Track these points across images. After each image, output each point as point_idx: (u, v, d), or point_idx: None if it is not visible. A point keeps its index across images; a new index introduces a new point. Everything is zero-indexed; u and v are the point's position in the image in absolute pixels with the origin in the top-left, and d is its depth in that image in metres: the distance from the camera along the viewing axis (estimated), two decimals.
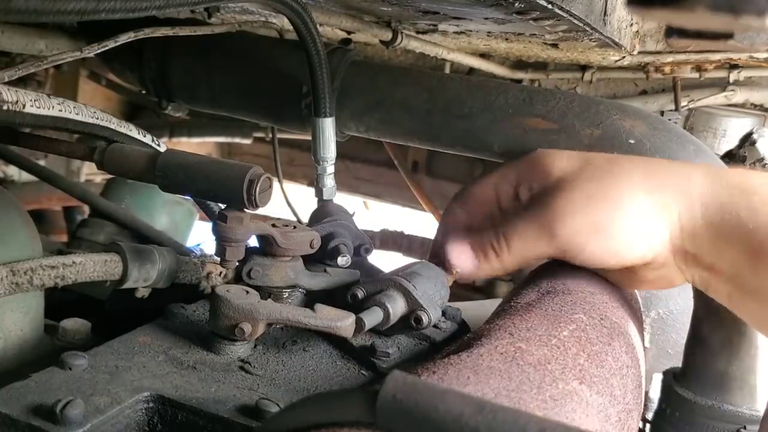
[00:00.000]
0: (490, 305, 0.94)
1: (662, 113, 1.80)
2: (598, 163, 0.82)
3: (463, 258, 0.86)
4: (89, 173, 2.39)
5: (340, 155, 1.18)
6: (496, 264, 0.85)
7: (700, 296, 1.01)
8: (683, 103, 1.79)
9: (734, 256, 0.73)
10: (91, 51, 0.92)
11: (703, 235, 0.75)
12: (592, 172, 0.81)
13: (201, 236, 2.05)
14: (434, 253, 0.91)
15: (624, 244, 0.78)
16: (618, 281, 0.88)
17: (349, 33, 1.37)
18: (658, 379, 1.08)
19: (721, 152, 1.28)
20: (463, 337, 0.75)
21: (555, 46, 1.39)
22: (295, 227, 0.82)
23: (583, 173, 0.81)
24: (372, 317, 0.75)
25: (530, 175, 0.86)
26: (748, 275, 0.73)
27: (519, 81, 1.88)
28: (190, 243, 2.00)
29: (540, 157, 0.87)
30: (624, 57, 1.56)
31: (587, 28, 1.05)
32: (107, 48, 0.94)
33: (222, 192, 0.76)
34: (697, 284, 0.81)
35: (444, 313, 0.86)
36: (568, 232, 0.79)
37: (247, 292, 0.74)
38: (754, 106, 1.83)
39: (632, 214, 0.77)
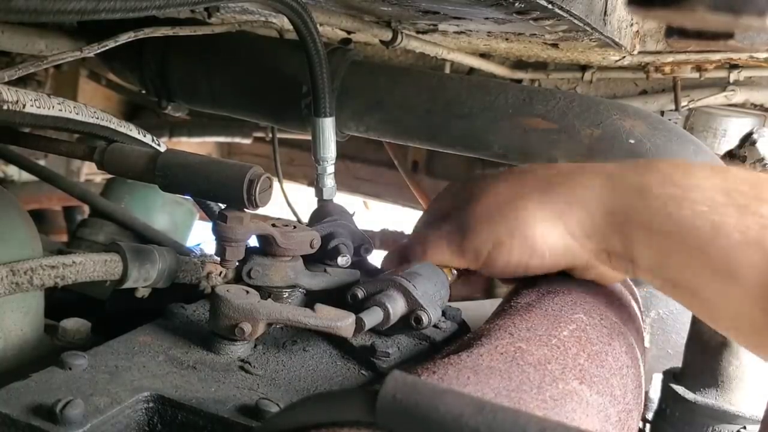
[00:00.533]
0: (490, 305, 0.94)
1: (662, 113, 1.80)
2: (504, 177, 0.86)
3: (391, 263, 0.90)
4: (89, 173, 2.39)
5: (340, 155, 1.18)
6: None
7: None
8: (683, 103, 1.79)
9: (644, 250, 0.74)
10: (91, 51, 0.92)
11: (609, 233, 0.76)
12: (496, 187, 0.84)
13: (201, 236, 2.05)
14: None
15: (525, 254, 0.80)
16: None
17: (349, 33, 1.37)
18: (658, 379, 1.08)
19: (721, 152, 1.28)
20: (463, 337, 0.75)
21: (555, 46, 1.39)
22: (295, 227, 0.82)
23: (491, 189, 0.84)
24: (372, 317, 0.75)
25: (461, 190, 0.90)
26: (663, 268, 0.74)
27: (519, 81, 1.88)
28: (190, 243, 2.00)
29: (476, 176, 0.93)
30: (624, 57, 1.56)
31: (587, 28, 1.05)
32: (107, 48, 0.94)
33: (222, 192, 0.76)
34: (632, 278, 0.84)
35: (444, 313, 0.86)
36: (473, 246, 0.83)
37: (247, 292, 0.74)
38: (754, 106, 1.83)
39: (526, 225, 0.80)
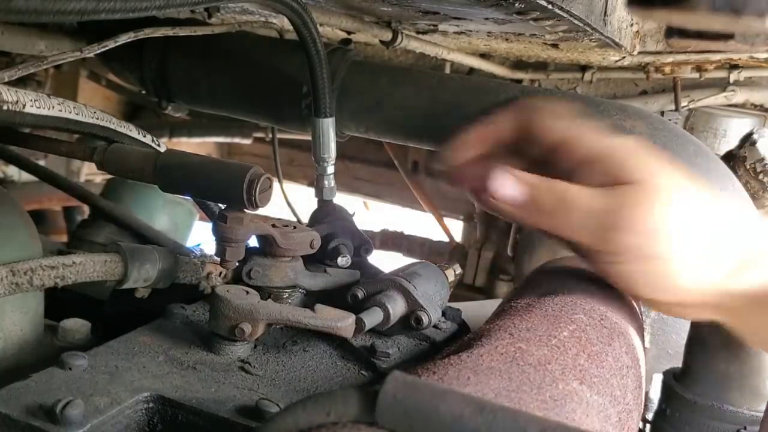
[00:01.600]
0: (490, 305, 0.94)
1: (662, 113, 1.80)
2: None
3: (509, 187, 0.70)
4: (89, 173, 2.39)
5: (340, 155, 1.18)
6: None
7: None
8: (683, 104, 1.79)
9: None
10: (91, 51, 0.92)
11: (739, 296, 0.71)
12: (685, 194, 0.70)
13: (201, 236, 2.05)
14: (456, 178, 0.78)
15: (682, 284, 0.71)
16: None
17: (349, 33, 1.37)
18: (658, 380, 1.08)
19: (722, 152, 1.28)
20: (463, 338, 0.75)
21: (555, 46, 1.39)
22: (295, 227, 0.82)
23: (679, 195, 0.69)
24: (372, 317, 0.75)
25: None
26: None
27: (519, 81, 1.88)
28: (190, 243, 2.00)
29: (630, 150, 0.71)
30: (624, 57, 1.56)
31: (587, 29, 1.05)
32: (107, 48, 0.94)
33: (222, 192, 0.76)
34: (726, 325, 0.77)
35: (444, 314, 0.86)
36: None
37: (247, 292, 0.74)
38: (755, 106, 1.83)
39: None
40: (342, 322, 0.72)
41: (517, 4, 0.90)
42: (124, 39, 0.97)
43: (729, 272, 0.70)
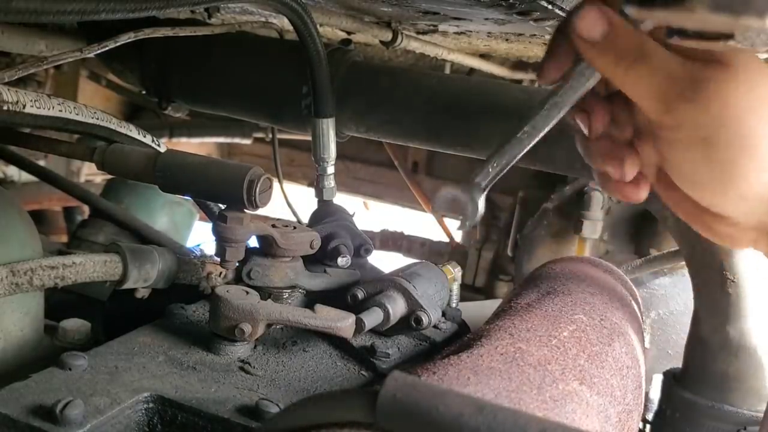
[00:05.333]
0: (490, 306, 0.94)
1: None
2: None
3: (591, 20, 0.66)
4: (89, 173, 2.39)
5: (340, 155, 1.18)
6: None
7: (700, 297, 1.01)
8: None
9: None
10: (91, 51, 0.92)
11: None
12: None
13: (201, 236, 2.05)
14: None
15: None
16: (688, 216, 0.72)
17: (349, 33, 1.37)
18: (658, 380, 1.08)
19: None
20: (463, 338, 0.75)
21: None
22: (295, 228, 0.82)
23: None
24: (372, 318, 0.75)
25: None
26: None
27: (519, 81, 1.88)
28: (190, 243, 2.00)
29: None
30: None
31: None
32: (107, 48, 0.94)
33: (222, 192, 0.76)
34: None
35: (444, 314, 0.86)
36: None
37: (247, 292, 0.74)
38: None
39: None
40: (342, 323, 0.72)
41: (517, 5, 0.90)
42: (124, 39, 0.97)
43: None
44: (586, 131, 0.73)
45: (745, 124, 0.62)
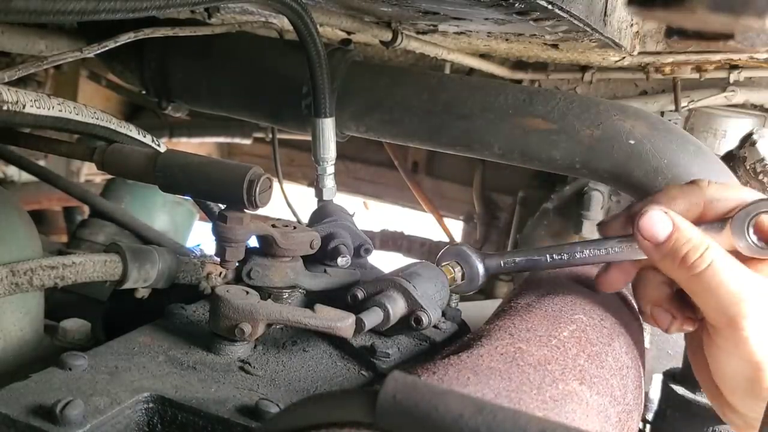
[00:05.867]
0: (490, 305, 0.94)
1: (662, 114, 1.80)
2: None
3: (655, 223, 0.68)
4: (89, 173, 2.39)
5: (340, 155, 1.18)
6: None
7: None
8: (683, 104, 1.79)
9: None
10: (91, 51, 0.92)
11: None
12: None
13: (201, 236, 2.05)
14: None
15: None
16: (710, 394, 0.78)
17: (349, 33, 1.37)
18: (658, 380, 1.08)
19: (721, 153, 1.28)
20: (463, 338, 0.75)
21: (555, 46, 1.39)
22: (295, 228, 0.82)
23: None
24: (372, 317, 0.75)
25: None
26: None
27: (519, 81, 1.88)
28: (190, 243, 2.00)
29: None
30: (624, 57, 1.56)
31: (587, 29, 1.05)
32: (107, 48, 0.94)
33: (222, 192, 0.76)
34: None
35: (444, 314, 0.86)
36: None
37: (247, 292, 0.74)
38: (754, 106, 1.83)
39: None
40: (342, 322, 0.72)
41: (517, 5, 0.90)
42: (124, 39, 0.97)
43: None
44: (638, 298, 0.76)
45: None
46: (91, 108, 0.90)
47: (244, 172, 0.74)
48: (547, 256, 0.81)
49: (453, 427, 0.40)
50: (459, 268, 0.86)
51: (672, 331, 0.74)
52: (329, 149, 1.13)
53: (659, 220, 0.68)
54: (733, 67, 1.73)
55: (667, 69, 1.74)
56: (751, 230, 0.67)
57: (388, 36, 1.30)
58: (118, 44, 0.96)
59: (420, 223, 2.73)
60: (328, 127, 1.12)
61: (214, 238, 0.77)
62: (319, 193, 1.15)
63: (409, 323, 0.79)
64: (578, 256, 0.79)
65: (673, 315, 0.72)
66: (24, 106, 0.79)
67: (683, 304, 0.72)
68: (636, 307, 0.91)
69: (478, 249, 0.88)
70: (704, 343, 0.70)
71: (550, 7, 0.88)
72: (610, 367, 0.69)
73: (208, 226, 0.81)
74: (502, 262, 0.84)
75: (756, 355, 0.64)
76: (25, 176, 2.07)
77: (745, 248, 0.67)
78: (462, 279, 0.86)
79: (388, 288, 0.79)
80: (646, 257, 0.72)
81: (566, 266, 0.81)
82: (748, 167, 1.14)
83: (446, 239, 2.50)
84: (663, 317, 0.73)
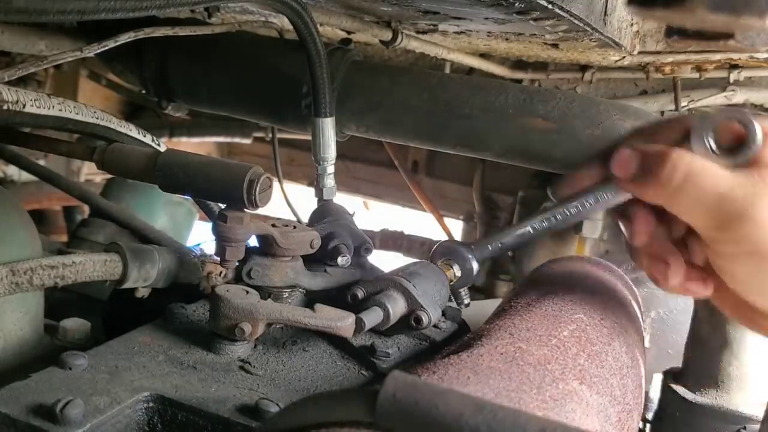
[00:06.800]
0: (490, 305, 0.94)
1: (662, 113, 1.80)
2: None
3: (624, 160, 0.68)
4: (89, 173, 2.39)
5: (340, 155, 1.18)
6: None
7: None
8: (683, 103, 1.78)
9: None
10: (91, 51, 0.92)
11: None
12: None
13: (201, 236, 2.05)
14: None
15: None
16: (733, 310, 0.74)
17: (349, 33, 1.37)
18: (658, 379, 1.08)
19: None
20: (463, 337, 0.75)
21: (555, 46, 1.39)
22: (295, 227, 0.82)
23: None
24: (372, 317, 0.75)
25: None
26: None
27: (519, 81, 1.88)
28: (190, 243, 2.00)
29: None
30: (624, 57, 1.55)
31: (587, 28, 1.05)
32: (107, 48, 0.94)
33: (222, 192, 0.76)
34: None
35: (444, 313, 0.86)
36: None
37: (247, 292, 0.74)
38: (754, 106, 1.83)
39: None
40: (342, 322, 0.72)
41: (517, 4, 0.90)
42: (124, 39, 0.97)
43: None
44: (628, 237, 0.72)
45: None
46: (91, 107, 0.90)
47: (244, 171, 0.74)
48: (530, 227, 0.81)
49: (453, 427, 0.40)
50: (455, 265, 0.86)
51: (670, 284, 0.71)
52: (329, 149, 1.13)
53: (632, 155, 0.68)
54: (733, 66, 1.73)
55: (667, 68, 1.74)
56: (710, 137, 0.65)
57: (388, 35, 1.30)
58: (118, 44, 0.96)
59: (420, 222, 2.73)
60: (328, 126, 1.12)
61: (214, 237, 0.77)
62: (319, 193, 1.15)
63: (409, 323, 0.79)
64: (560, 218, 0.79)
65: (667, 261, 0.70)
66: (24, 106, 0.79)
67: (677, 250, 0.71)
68: (636, 306, 0.91)
69: (467, 242, 0.88)
70: (713, 264, 0.68)
71: (550, 6, 0.88)
72: (610, 367, 0.69)
73: (208, 225, 0.81)
74: (490, 247, 0.84)
75: (764, 243, 0.62)
76: (25, 176, 2.07)
77: (705, 155, 0.65)
78: (458, 275, 0.86)
79: (388, 287, 0.79)
80: (627, 198, 0.71)
81: (554, 229, 0.81)
82: None
83: (446, 239, 2.50)
84: (658, 265, 0.71)
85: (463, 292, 0.91)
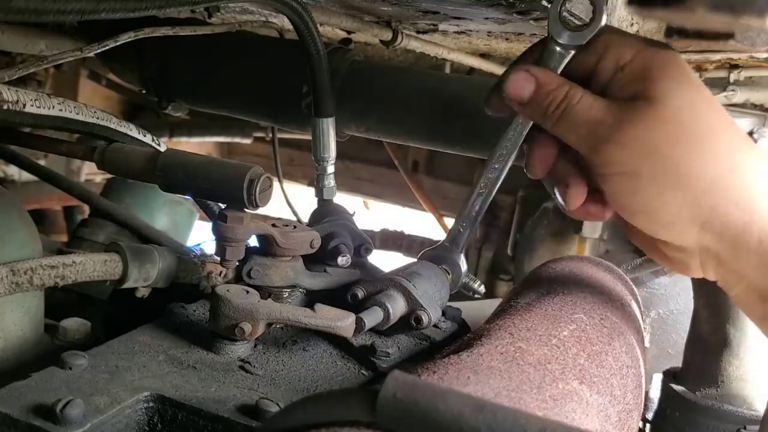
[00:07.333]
0: (490, 305, 0.94)
1: None
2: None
3: (519, 83, 0.73)
4: (89, 173, 2.39)
5: (340, 155, 1.17)
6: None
7: (700, 297, 1.01)
8: None
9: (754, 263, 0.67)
10: (91, 51, 0.92)
11: (725, 239, 0.68)
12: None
13: (201, 236, 2.05)
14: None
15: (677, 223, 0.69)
16: (642, 244, 0.77)
17: (349, 33, 1.37)
18: (658, 379, 1.08)
19: None
20: (463, 337, 0.75)
21: None
22: (295, 227, 0.83)
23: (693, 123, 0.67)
24: (372, 317, 0.75)
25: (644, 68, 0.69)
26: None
27: None
28: (190, 243, 2.00)
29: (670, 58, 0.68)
30: None
31: None
32: (107, 48, 0.94)
33: (222, 192, 0.76)
34: (720, 284, 0.74)
35: (444, 313, 0.86)
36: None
37: (247, 291, 0.74)
38: (755, 106, 1.83)
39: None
40: (342, 322, 0.72)
41: (517, 4, 0.90)
42: (124, 39, 0.97)
43: (709, 215, 0.67)
44: (528, 169, 0.79)
45: (669, 157, 0.66)
46: (91, 107, 0.90)
47: (245, 171, 0.74)
48: (477, 189, 0.84)
49: (453, 426, 0.40)
50: (448, 270, 0.87)
51: (570, 206, 0.76)
52: (329, 149, 1.13)
53: (522, 79, 0.73)
54: (733, 66, 1.73)
55: None
56: (565, 12, 0.71)
57: (388, 35, 1.30)
58: (118, 44, 0.96)
59: (420, 222, 2.73)
60: (328, 126, 1.12)
61: (214, 237, 0.77)
62: (319, 193, 1.15)
63: (409, 322, 0.79)
64: (501, 163, 0.82)
65: (567, 183, 0.75)
66: (24, 106, 0.79)
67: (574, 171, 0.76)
68: (636, 306, 0.91)
69: (478, 249, 0.90)
70: (600, 188, 0.73)
71: (550, 6, 0.87)
72: (610, 367, 0.69)
73: (209, 225, 0.81)
74: (459, 230, 0.85)
75: (629, 164, 0.68)
76: (26, 176, 2.07)
77: (560, 32, 0.71)
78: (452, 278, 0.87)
79: (388, 287, 0.79)
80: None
81: (496, 184, 0.85)
82: None
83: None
84: (559, 187, 0.76)
85: (471, 280, 0.91)
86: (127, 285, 0.84)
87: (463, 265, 0.87)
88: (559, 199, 0.77)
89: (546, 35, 0.74)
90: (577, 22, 0.71)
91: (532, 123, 0.78)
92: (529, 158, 0.79)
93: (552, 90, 0.72)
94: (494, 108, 0.81)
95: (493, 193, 0.84)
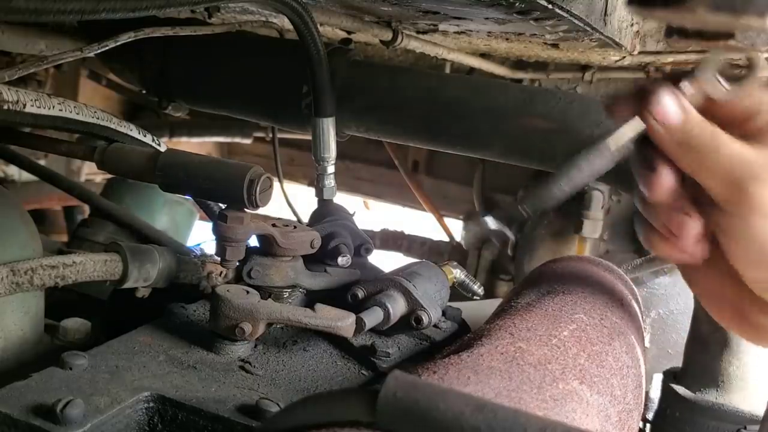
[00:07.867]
0: (490, 305, 0.94)
1: None
2: None
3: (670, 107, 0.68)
4: (89, 173, 2.39)
5: (341, 155, 1.18)
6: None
7: None
8: None
9: None
10: (92, 51, 0.92)
11: None
12: None
13: (201, 236, 2.05)
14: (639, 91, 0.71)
15: None
16: (719, 298, 0.73)
17: (349, 33, 1.37)
18: (658, 379, 1.08)
19: None
20: (463, 337, 0.75)
21: (555, 46, 1.39)
22: (295, 227, 0.83)
23: None
24: (372, 317, 0.75)
25: None
26: None
27: (519, 81, 1.88)
28: (190, 243, 2.00)
29: None
30: (624, 57, 1.55)
31: (588, 28, 1.05)
32: (107, 48, 0.94)
33: (222, 192, 0.76)
34: None
35: (444, 313, 0.86)
36: None
37: (248, 291, 0.74)
38: None
39: None
40: (342, 322, 0.72)
41: (517, 4, 0.90)
42: (124, 39, 0.97)
43: None
44: (646, 191, 0.70)
45: None
46: (91, 107, 0.90)
47: (245, 171, 0.74)
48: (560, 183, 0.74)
49: (453, 426, 0.40)
50: (459, 269, 0.86)
51: (684, 238, 0.69)
52: (330, 149, 1.13)
53: (673, 106, 0.67)
54: (733, 66, 1.73)
55: (668, 68, 1.74)
56: (716, 72, 0.66)
57: (388, 35, 1.30)
58: (118, 44, 0.96)
59: (420, 222, 2.73)
60: (328, 126, 1.12)
61: (214, 237, 0.77)
62: (319, 193, 1.15)
63: (410, 322, 0.79)
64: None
65: (688, 213, 0.68)
66: (24, 106, 0.79)
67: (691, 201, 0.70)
68: (636, 306, 0.91)
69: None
70: (720, 228, 0.68)
71: (550, 6, 0.88)
72: (611, 367, 0.69)
73: (209, 225, 0.81)
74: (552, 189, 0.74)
75: None
76: (26, 176, 2.07)
77: (713, 87, 0.66)
78: (458, 276, 0.86)
79: (388, 287, 0.79)
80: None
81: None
82: None
83: (446, 239, 2.50)
84: (677, 217, 0.69)
85: (470, 281, 0.91)
86: (127, 285, 0.84)
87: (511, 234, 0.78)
88: (671, 228, 0.70)
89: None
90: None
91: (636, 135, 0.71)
92: (650, 181, 0.71)
93: (700, 121, 0.67)
94: (617, 112, 0.74)
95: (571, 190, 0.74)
